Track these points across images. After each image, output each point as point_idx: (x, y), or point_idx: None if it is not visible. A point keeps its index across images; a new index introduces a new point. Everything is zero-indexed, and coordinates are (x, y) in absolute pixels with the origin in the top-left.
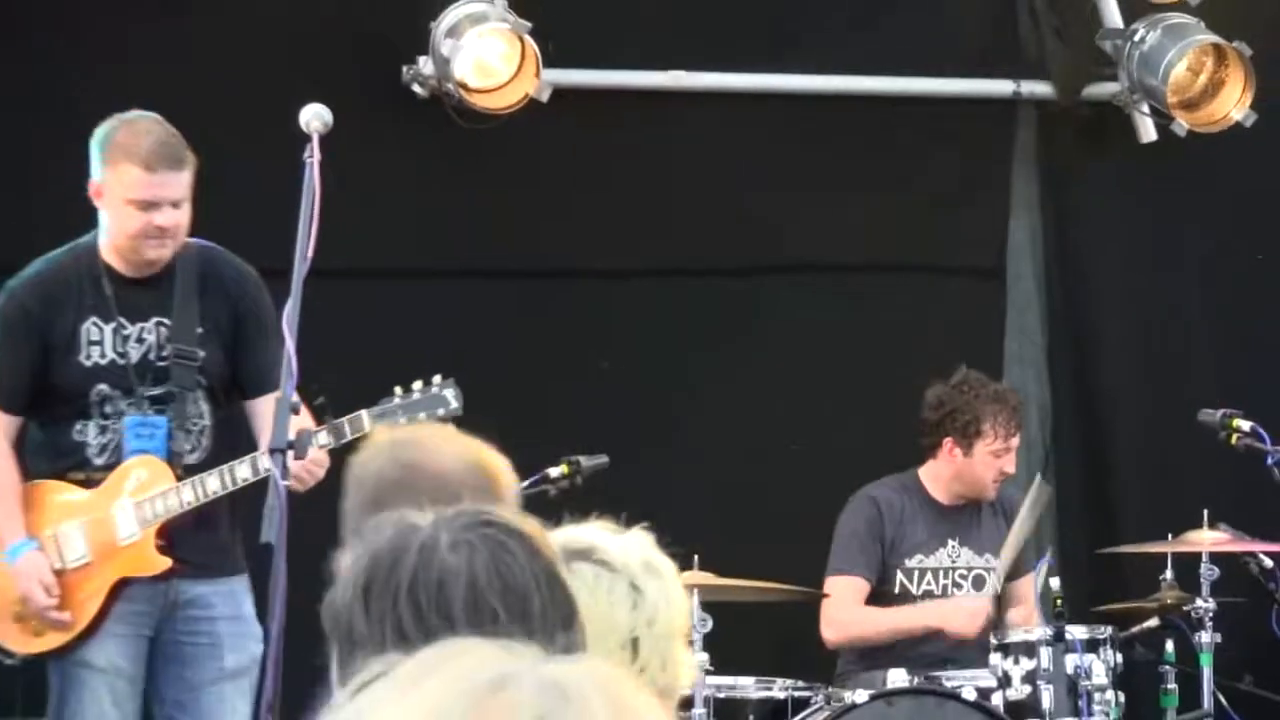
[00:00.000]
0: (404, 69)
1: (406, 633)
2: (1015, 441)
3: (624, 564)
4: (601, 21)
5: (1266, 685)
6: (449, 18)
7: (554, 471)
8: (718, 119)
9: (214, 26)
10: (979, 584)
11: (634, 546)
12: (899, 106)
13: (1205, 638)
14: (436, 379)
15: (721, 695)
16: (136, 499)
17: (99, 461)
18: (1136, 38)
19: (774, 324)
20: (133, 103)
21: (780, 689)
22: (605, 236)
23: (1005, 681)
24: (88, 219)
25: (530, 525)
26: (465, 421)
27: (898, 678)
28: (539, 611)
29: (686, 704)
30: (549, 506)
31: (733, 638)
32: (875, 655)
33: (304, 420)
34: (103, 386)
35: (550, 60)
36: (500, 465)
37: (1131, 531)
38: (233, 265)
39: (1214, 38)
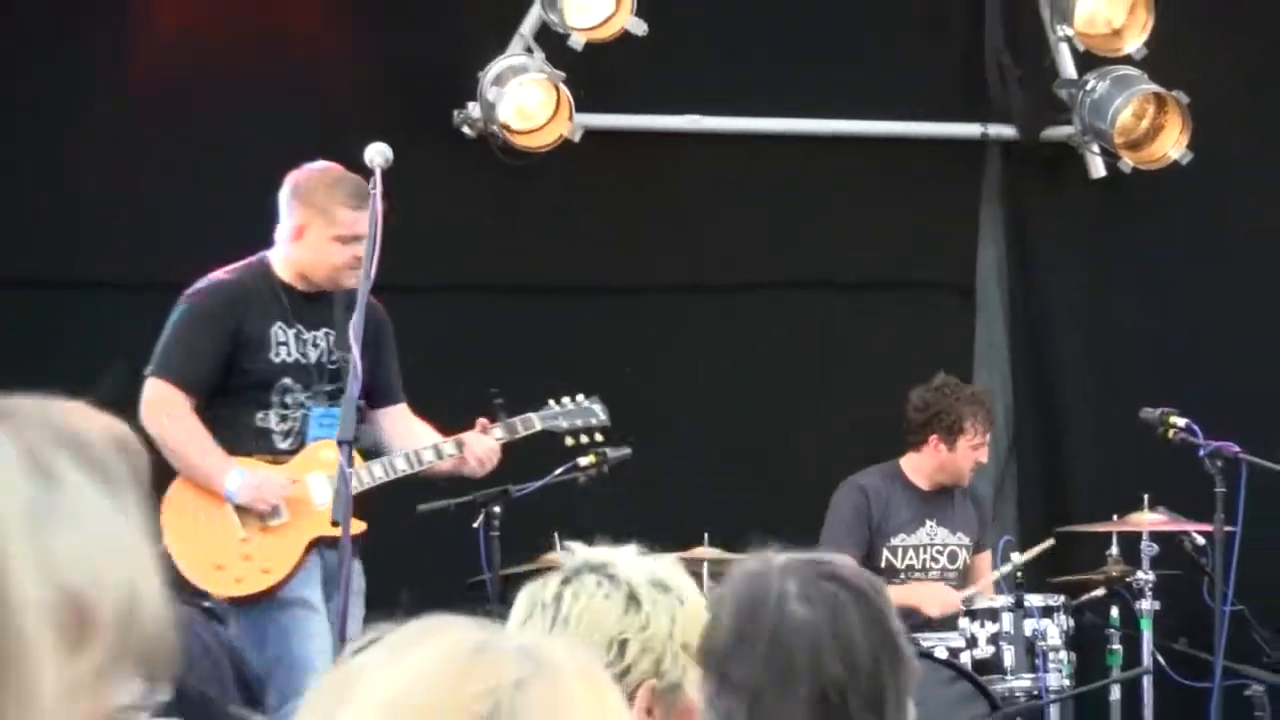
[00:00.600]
0: (455, 113)
1: (756, 680)
2: (989, 436)
3: (628, 578)
4: (627, 72)
5: (1198, 646)
6: (494, 68)
7: (583, 461)
8: (726, 156)
9: (294, 77)
10: (953, 558)
11: (648, 566)
12: (884, 146)
13: (1145, 605)
14: (580, 396)
15: None
16: (330, 472)
17: (283, 445)
18: (1088, 87)
19: (777, 332)
20: (211, 141)
21: None
22: (628, 257)
23: (972, 643)
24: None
25: (867, 582)
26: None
27: None
28: (870, 666)
29: None
30: (579, 492)
31: None
32: None
33: (415, 426)
34: (287, 380)
35: (582, 105)
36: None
37: (1082, 513)
38: (371, 300)
39: (1155, 87)
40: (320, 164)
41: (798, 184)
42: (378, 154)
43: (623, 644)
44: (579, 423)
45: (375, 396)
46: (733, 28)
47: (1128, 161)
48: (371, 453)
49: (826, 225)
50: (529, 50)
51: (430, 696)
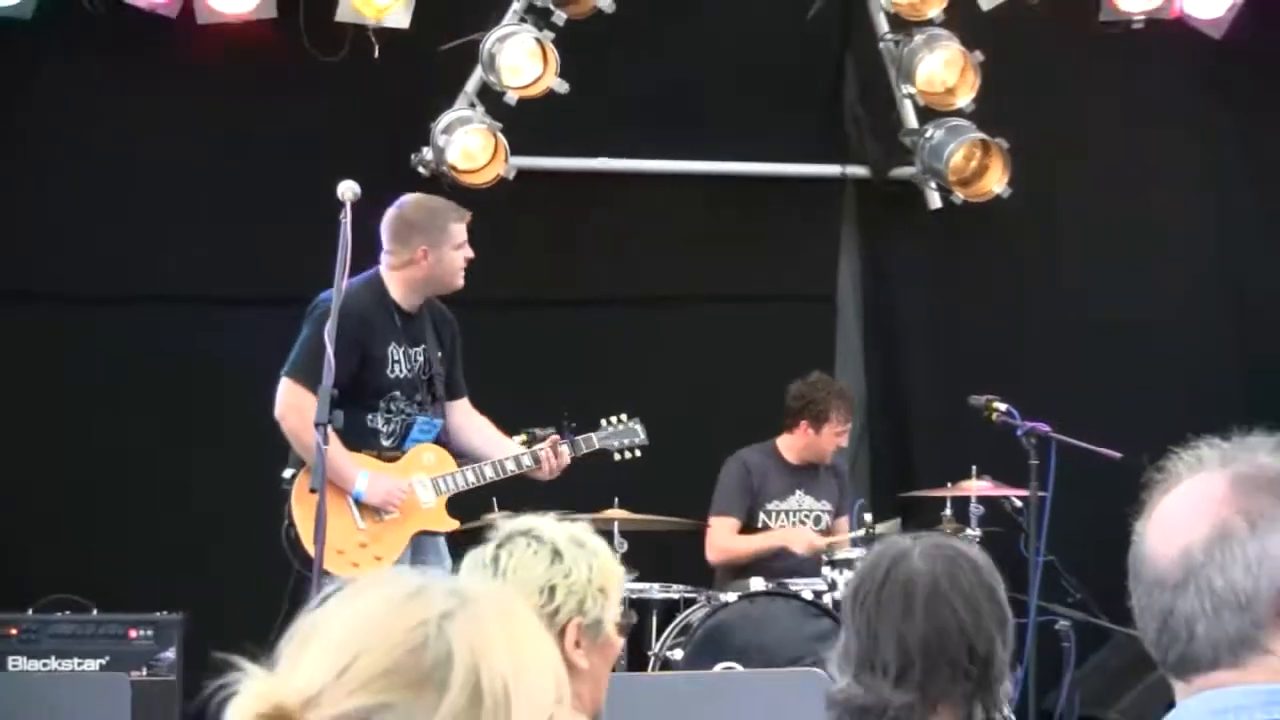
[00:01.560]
0: (412, 156)
1: (870, 619)
2: (849, 425)
3: (551, 538)
4: (552, 123)
5: (1016, 589)
6: (444, 120)
7: (517, 439)
8: (633, 192)
9: (291, 128)
10: (817, 521)
11: (566, 528)
12: (763, 183)
13: None
14: (623, 415)
15: (635, 596)
16: (431, 475)
17: (386, 444)
18: (927, 135)
19: (675, 335)
20: (222, 175)
21: (675, 591)
22: (553, 275)
23: (832, 586)
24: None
25: (979, 555)
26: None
27: (757, 583)
28: (985, 611)
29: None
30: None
31: (643, 556)
32: (742, 568)
33: (477, 420)
34: (396, 391)
35: (515, 150)
36: None
37: (922, 480)
38: (443, 308)
39: (981, 135)
40: (413, 196)
41: (694, 214)
42: (347, 189)
43: (551, 589)
44: (625, 441)
45: (446, 391)
46: (638, 88)
47: (959, 195)
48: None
49: (716, 248)
50: (472, 105)
51: (373, 632)
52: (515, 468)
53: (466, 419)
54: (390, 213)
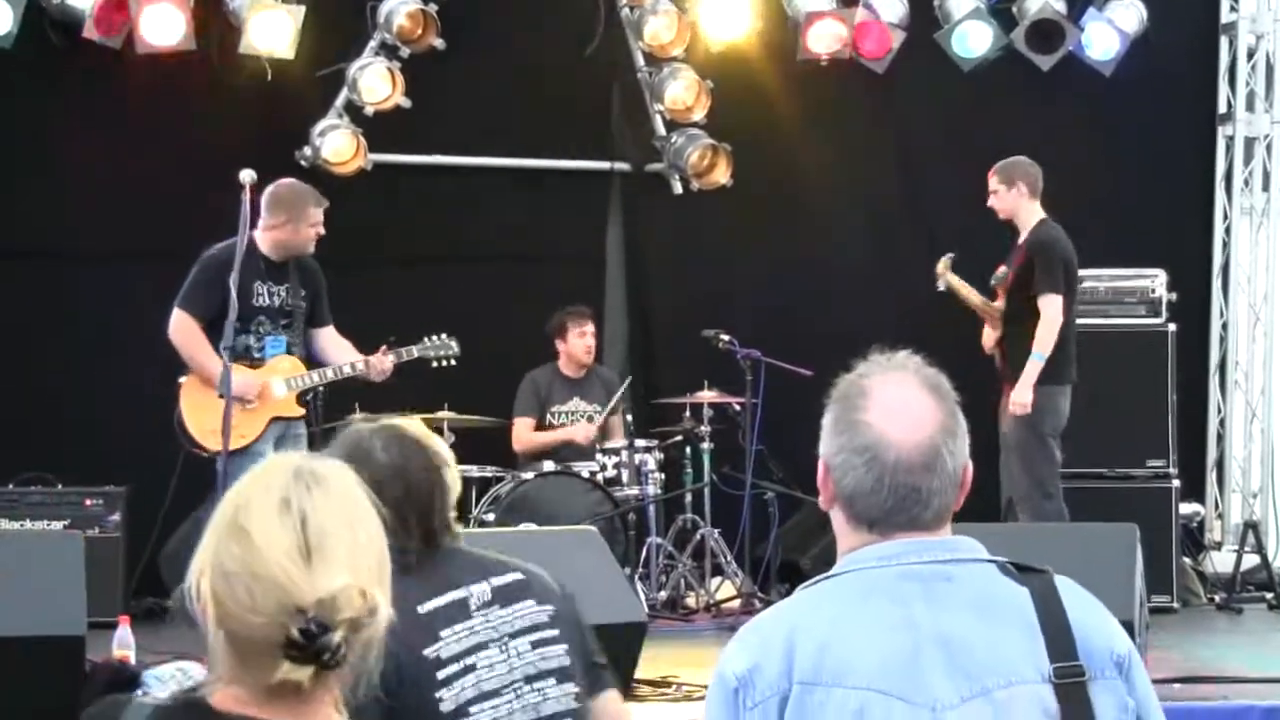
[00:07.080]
0: (295, 152)
1: None
2: (588, 326)
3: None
4: (399, 129)
5: (737, 470)
6: (319, 126)
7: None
8: (459, 179)
9: (202, 131)
10: (590, 419)
11: (414, 426)
12: (556, 174)
13: (705, 446)
14: (444, 335)
15: (460, 475)
16: (284, 376)
17: (257, 356)
18: (672, 140)
19: (489, 285)
20: (152, 162)
21: (489, 471)
22: (398, 241)
23: (604, 468)
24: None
25: (425, 436)
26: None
27: (549, 465)
28: (423, 490)
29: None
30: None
31: (467, 447)
32: (538, 455)
33: (339, 342)
34: (261, 316)
35: (372, 148)
36: None
37: (669, 391)
38: (312, 262)
39: (712, 140)
40: (286, 180)
41: (503, 197)
42: (246, 175)
43: None
44: (440, 352)
45: (313, 321)
46: (465, 104)
47: (695, 184)
48: (308, 362)
49: (519, 221)
50: (340, 115)
51: (252, 492)
52: (350, 371)
53: (329, 340)
54: (268, 189)
